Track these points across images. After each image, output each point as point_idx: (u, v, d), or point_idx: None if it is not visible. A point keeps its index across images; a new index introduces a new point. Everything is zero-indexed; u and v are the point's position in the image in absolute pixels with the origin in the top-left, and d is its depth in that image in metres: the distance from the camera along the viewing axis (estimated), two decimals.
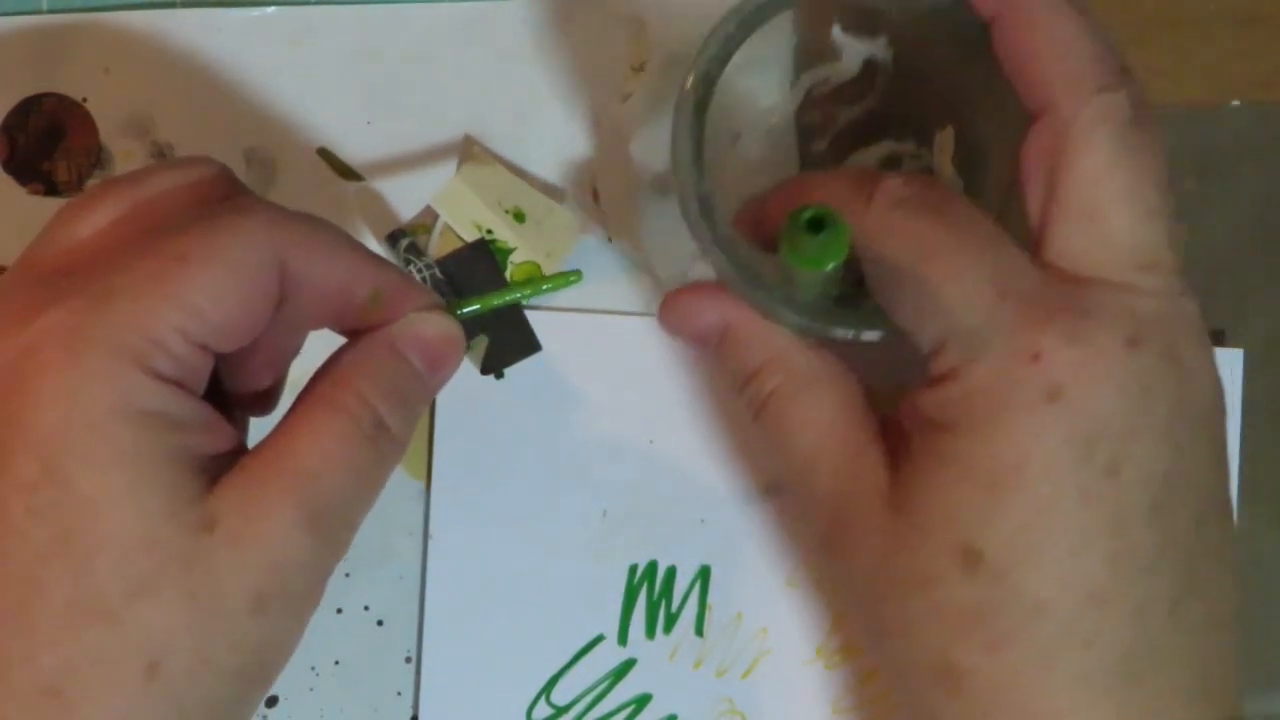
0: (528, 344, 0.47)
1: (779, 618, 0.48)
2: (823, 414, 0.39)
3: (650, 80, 0.45)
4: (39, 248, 0.35)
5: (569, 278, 0.41)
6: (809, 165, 0.46)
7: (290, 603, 0.34)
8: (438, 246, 0.48)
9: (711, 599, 0.48)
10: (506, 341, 0.47)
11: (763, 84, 0.45)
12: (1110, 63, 0.36)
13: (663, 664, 0.48)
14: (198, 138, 0.49)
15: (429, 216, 0.48)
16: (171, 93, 0.49)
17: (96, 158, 0.49)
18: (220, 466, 0.34)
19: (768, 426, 0.40)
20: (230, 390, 0.38)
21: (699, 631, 0.48)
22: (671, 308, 0.41)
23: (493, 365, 0.47)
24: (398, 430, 0.36)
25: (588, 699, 0.47)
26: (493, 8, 0.49)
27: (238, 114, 0.49)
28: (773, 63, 0.45)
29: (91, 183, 0.48)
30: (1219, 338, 0.48)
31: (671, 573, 0.48)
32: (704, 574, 0.48)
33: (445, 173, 0.49)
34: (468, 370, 0.47)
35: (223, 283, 0.33)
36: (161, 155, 0.49)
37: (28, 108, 0.49)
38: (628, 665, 0.48)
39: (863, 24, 0.44)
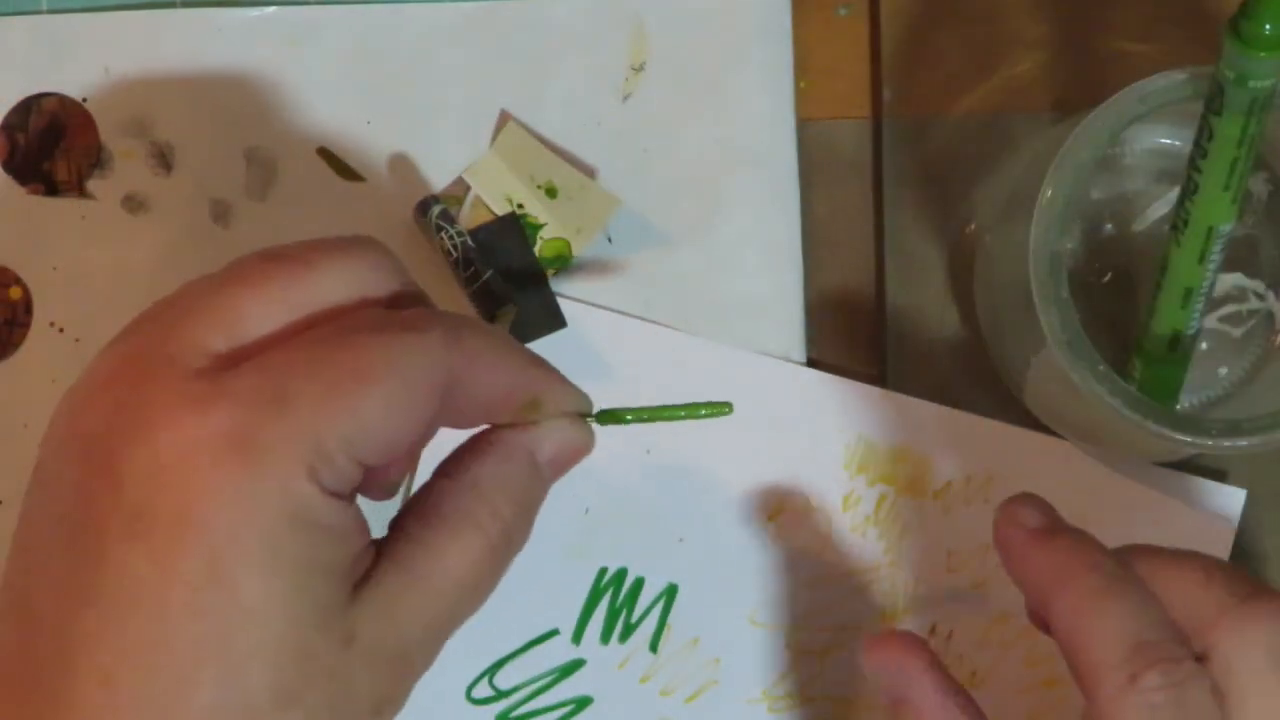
0: (554, 319, 0.47)
1: (734, 651, 0.48)
2: None
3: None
4: (199, 326, 0.33)
5: (722, 408, 0.40)
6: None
7: (401, 705, 0.35)
8: (468, 218, 0.48)
9: (672, 618, 0.48)
10: (533, 314, 0.47)
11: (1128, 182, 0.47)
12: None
13: (611, 671, 0.48)
14: (198, 138, 0.49)
15: (460, 188, 0.48)
16: (171, 93, 0.49)
17: (96, 158, 0.49)
18: (360, 565, 0.34)
19: None
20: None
21: (653, 648, 0.48)
22: (869, 649, 0.41)
23: (518, 338, 0.47)
24: (520, 540, 0.37)
25: (530, 689, 0.47)
26: (493, 8, 0.49)
27: (238, 114, 0.49)
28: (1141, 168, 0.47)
29: (91, 183, 0.48)
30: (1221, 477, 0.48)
31: (639, 584, 0.48)
32: (670, 592, 0.48)
33: (477, 147, 0.49)
34: None
35: (395, 402, 0.33)
36: (161, 155, 0.49)
37: (28, 108, 0.49)
38: (576, 665, 0.48)
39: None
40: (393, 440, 0.33)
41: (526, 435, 0.37)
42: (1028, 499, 0.39)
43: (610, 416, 0.39)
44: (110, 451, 0.32)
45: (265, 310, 0.33)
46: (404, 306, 0.36)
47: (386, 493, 0.39)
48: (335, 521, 0.33)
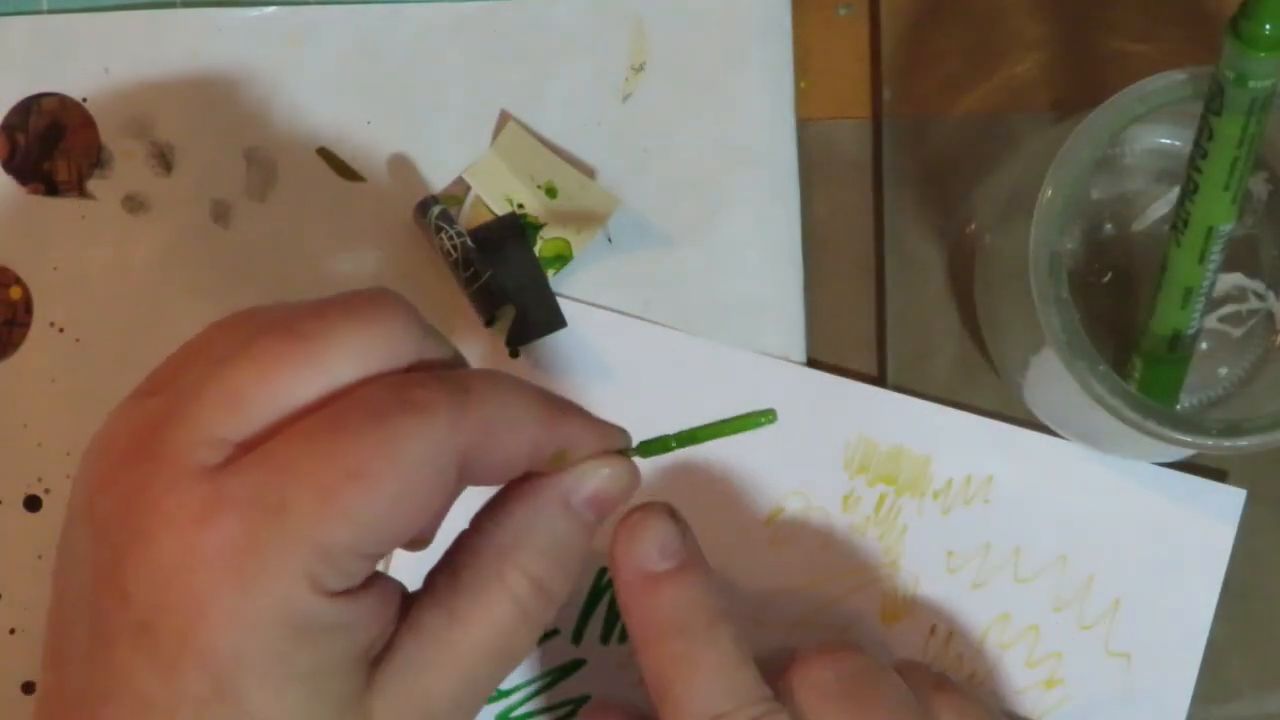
0: (554, 319, 0.47)
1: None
2: None
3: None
4: (206, 412, 0.32)
5: (760, 418, 0.38)
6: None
7: None
8: (468, 218, 0.48)
9: None
10: (533, 314, 0.47)
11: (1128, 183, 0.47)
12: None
13: (611, 671, 0.47)
14: (198, 138, 0.49)
15: (460, 188, 0.48)
16: (171, 93, 0.49)
17: (96, 158, 0.49)
18: (380, 641, 0.34)
19: None
20: None
21: None
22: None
23: (518, 338, 0.47)
24: (560, 594, 0.36)
25: (529, 689, 0.47)
26: (493, 8, 0.49)
27: (238, 114, 0.49)
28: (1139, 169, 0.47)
29: (91, 183, 0.48)
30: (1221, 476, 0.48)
31: None
32: None
33: (477, 147, 0.49)
34: (482, 345, 0.47)
35: (398, 498, 0.32)
36: (161, 155, 0.49)
37: (28, 108, 0.49)
38: (576, 665, 0.47)
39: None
40: (402, 531, 0.33)
41: (559, 481, 0.36)
42: (655, 524, 0.38)
43: (651, 448, 0.37)
44: (118, 556, 0.32)
45: (273, 398, 0.33)
46: (424, 366, 0.34)
47: (419, 547, 0.37)
48: (345, 620, 0.32)
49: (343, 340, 0.33)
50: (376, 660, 0.34)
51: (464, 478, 0.34)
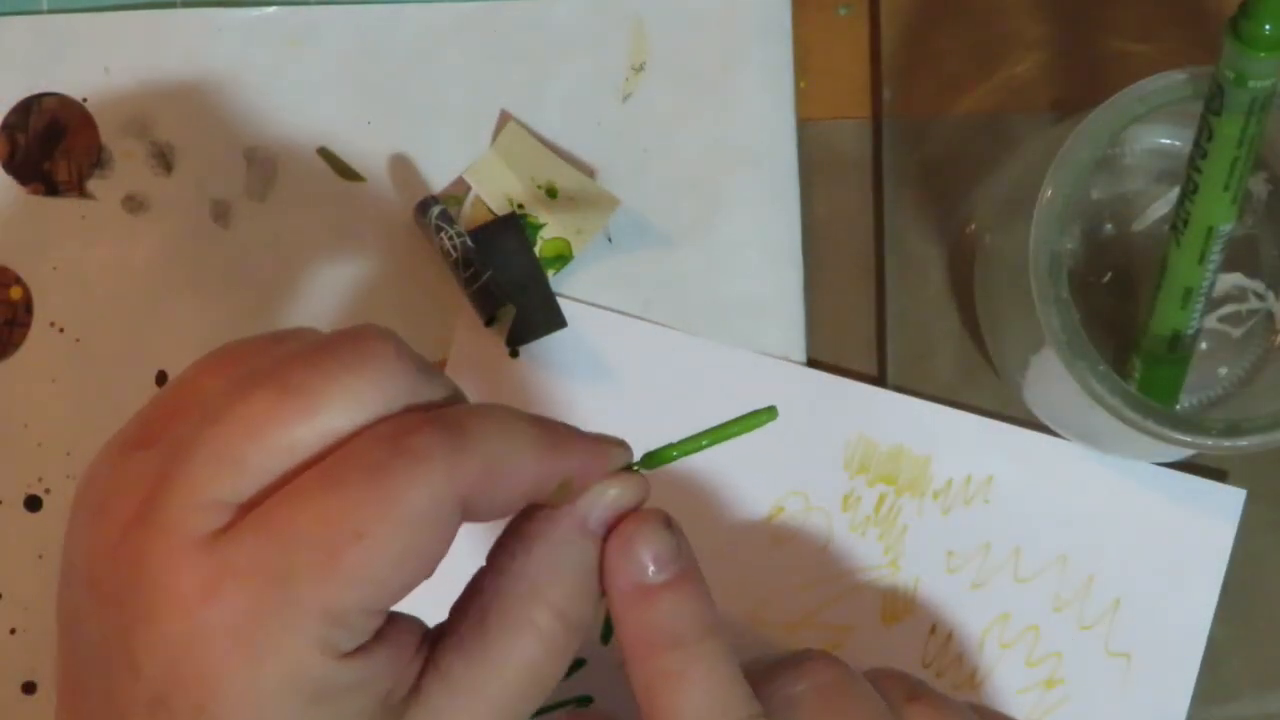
0: (554, 319, 0.47)
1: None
2: None
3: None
4: (201, 476, 0.32)
5: (761, 417, 0.37)
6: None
7: None
8: (468, 218, 0.48)
9: None
10: (533, 314, 0.47)
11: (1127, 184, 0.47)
12: None
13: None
14: (198, 138, 0.49)
15: (461, 188, 0.49)
16: (171, 93, 0.49)
17: (97, 158, 0.49)
18: (402, 685, 0.34)
19: None
20: None
21: None
22: None
23: (518, 338, 0.47)
24: (587, 621, 0.35)
25: None
26: (493, 8, 0.49)
27: (238, 114, 0.49)
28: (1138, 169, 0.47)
29: (91, 183, 0.48)
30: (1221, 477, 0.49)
31: None
32: None
33: (477, 147, 0.49)
34: (482, 345, 0.47)
35: (403, 553, 0.32)
36: (161, 155, 0.49)
37: (28, 108, 0.49)
38: (576, 665, 0.47)
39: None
40: (410, 583, 0.32)
41: (574, 511, 0.35)
42: (650, 534, 0.37)
43: (656, 459, 0.37)
44: (125, 629, 0.31)
45: (269, 456, 0.32)
46: (420, 406, 0.33)
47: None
48: (361, 677, 0.32)
49: (337, 392, 0.32)
50: (403, 705, 0.33)
51: (465, 518, 0.33)
